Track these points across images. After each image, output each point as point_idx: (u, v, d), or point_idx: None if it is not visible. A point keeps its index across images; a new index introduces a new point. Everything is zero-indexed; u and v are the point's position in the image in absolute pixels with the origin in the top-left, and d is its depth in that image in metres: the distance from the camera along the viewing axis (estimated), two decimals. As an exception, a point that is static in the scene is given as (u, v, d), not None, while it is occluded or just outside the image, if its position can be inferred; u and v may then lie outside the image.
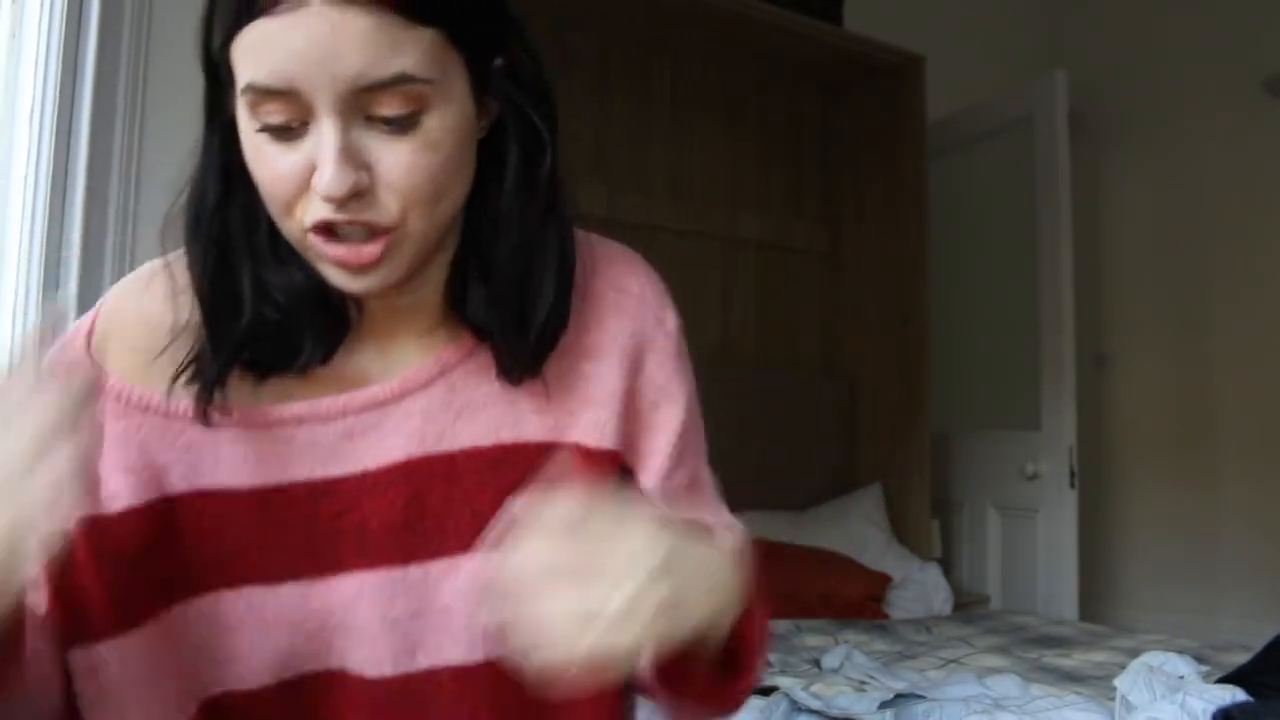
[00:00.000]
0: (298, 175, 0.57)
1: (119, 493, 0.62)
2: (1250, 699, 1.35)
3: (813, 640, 2.11)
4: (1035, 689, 1.61)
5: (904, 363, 3.01)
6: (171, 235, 0.64)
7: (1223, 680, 1.51)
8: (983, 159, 3.25)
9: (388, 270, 0.60)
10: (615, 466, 0.70)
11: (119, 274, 1.58)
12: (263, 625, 0.64)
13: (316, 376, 0.66)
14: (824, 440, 3.09)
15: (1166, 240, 3.43)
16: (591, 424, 0.69)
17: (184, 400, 0.63)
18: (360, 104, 0.56)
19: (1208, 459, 3.29)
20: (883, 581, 2.67)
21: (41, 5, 1.52)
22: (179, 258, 0.65)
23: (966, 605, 2.87)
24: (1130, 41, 3.52)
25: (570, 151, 2.59)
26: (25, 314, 1.49)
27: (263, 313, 0.63)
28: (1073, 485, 2.89)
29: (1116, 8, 3.57)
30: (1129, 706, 1.41)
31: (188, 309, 0.63)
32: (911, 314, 3.00)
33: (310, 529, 0.65)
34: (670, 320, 0.74)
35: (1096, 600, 3.28)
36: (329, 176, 0.55)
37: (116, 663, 0.61)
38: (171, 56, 1.68)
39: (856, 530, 2.87)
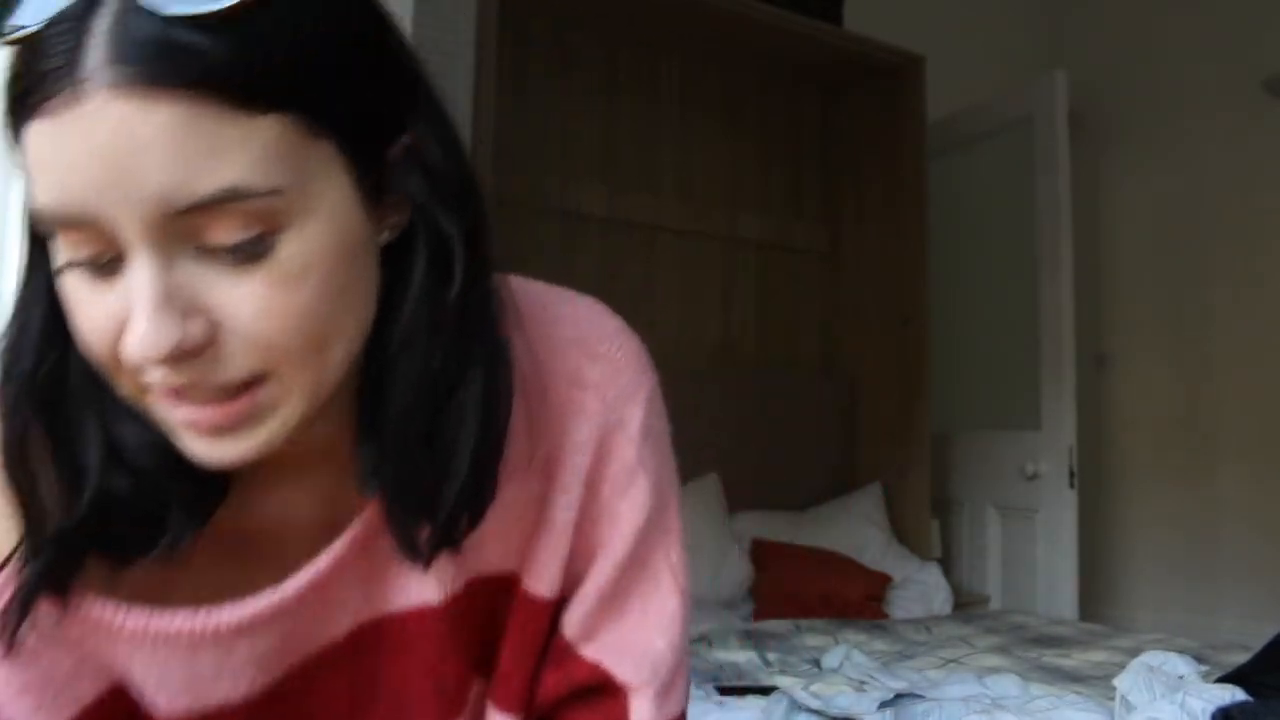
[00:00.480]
0: (116, 325, 0.42)
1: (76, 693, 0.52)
2: (1250, 699, 1.35)
3: (812, 640, 2.11)
4: (1035, 689, 1.61)
5: (904, 363, 3.01)
6: None
7: (1222, 680, 1.51)
8: (983, 159, 3.25)
9: (263, 435, 0.45)
10: (550, 614, 0.60)
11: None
12: None
13: (219, 545, 0.52)
14: (824, 440, 3.09)
15: (1166, 240, 3.43)
16: (541, 562, 0.58)
17: (104, 608, 0.50)
18: (183, 230, 0.40)
19: (1207, 459, 3.29)
20: (882, 581, 2.67)
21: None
22: None
23: (966, 605, 2.87)
24: (1130, 41, 3.53)
25: (573, 151, 2.62)
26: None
27: (111, 481, 0.47)
28: (1072, 485, 2.89)
29: (1116, 8, 3.58)
30: (1128, 706, 1.41)
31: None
32: (911, 314, 3.00)
33: None
34: (636, 418, 0.59)
35: (1096, 600, 3.28)
36: (140, 333, 0.40)
37: None
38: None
39: (856, 530, 2.87)
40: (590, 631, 0.60)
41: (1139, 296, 3.50)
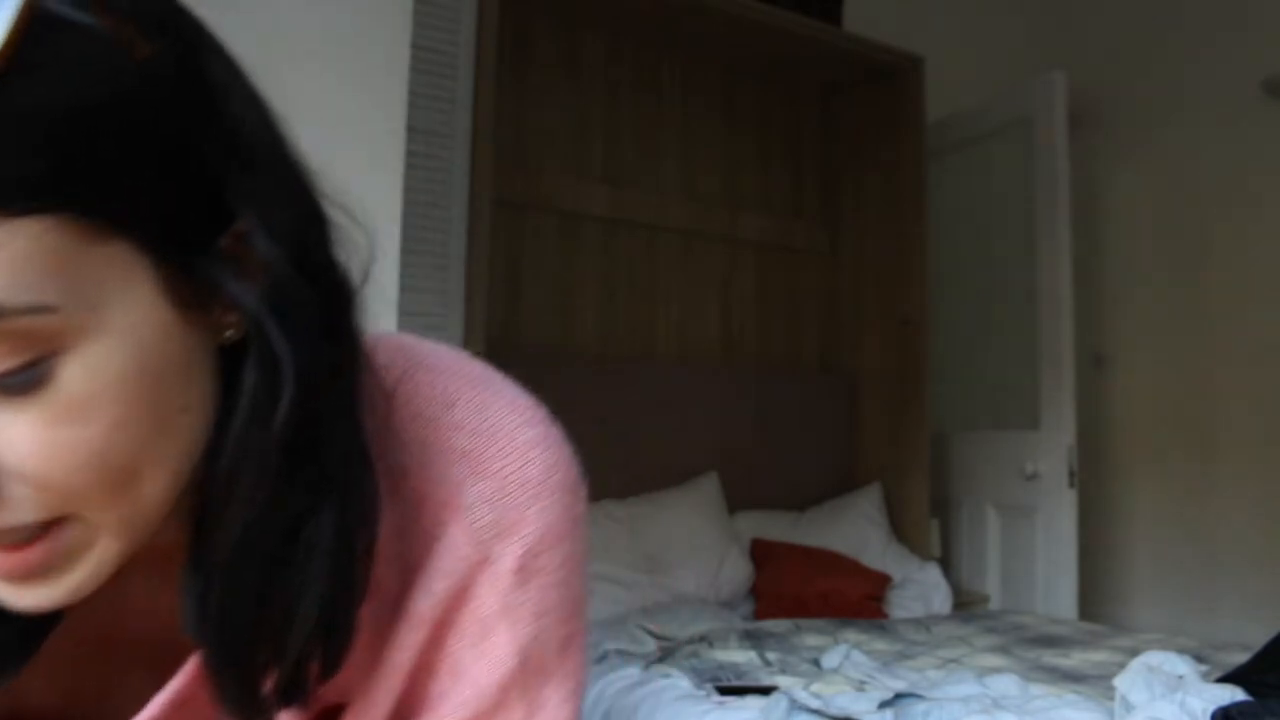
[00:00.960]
0: None
1: None
2: (1249, 698, 1.36)
3: (812, 640, 2.11)
4: (1034, 688, 1.61)
5: (904, 363, 3.01)
6: None
7: (1222, 679, 1.52)
8: (983, 159, 3.25)
9: (74, 580, 0.38)
10: None
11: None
12: None
13: (60, 648, 0.45)
14: (824, 440, 3.09)
15: (1165, 240, 3.43)
16: (367, 707, 0.49)
17: None
18: None
19: (1206, 458, 3.29)
20: (882, 581, 2.67)
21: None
22: None
23: (966, 605, 2.87)
24: (1130, 42, 3.53)
25: (574, 151, 2.62)
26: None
27: None
28: (1072, 485, 2.89)
29: (1116, 8, 3.58)
30: (1128, 706, 1.42)
31: None
32: (911, 314, 3.00)
33: None
34: (510, 554, 0.48)
35: (1095, 600, 3.28)
36: None
37: None
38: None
39: (856, 530, 2.87)
40: None
41: (1138, 296, 3.50)
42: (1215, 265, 3.30)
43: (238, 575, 0.40)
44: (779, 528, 2.82)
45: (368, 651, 0.47)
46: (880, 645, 2.10)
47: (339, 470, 0.41)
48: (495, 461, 0.48)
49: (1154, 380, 3.44)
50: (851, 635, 2.17)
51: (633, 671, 1.80)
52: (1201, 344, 3.32)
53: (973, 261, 3.28)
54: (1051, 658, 1.97)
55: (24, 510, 0.35)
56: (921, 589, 2.72)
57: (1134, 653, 1.78)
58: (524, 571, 0.48)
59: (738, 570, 2.63)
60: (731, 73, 3.12)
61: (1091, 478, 3.24)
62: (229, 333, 0.39)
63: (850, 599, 2.55)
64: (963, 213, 3.28)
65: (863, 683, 1.68)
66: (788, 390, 3.05)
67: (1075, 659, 1.96)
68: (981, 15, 3.59)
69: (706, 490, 2.70)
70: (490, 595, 0.47)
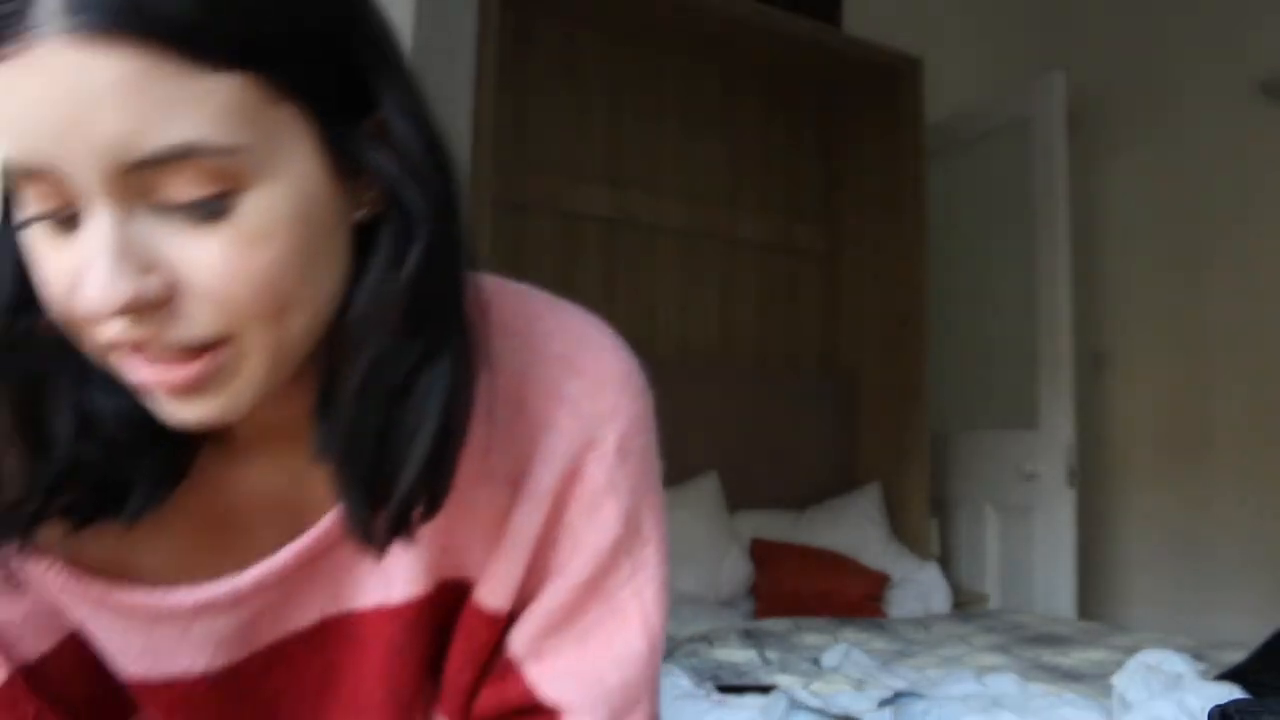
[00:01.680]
0: (76, 280, 0.41)
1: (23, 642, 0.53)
2: (1247, 696, 1.36)
3: (812, 639, 2.12)
4: (1033, 687, 1.62)
5: (903, 363, 3.02)
6: None
7: (1220, 678, 1.52)
8: (982, 159, 3.26)
9: (225, 400, 0.44)
10: (498, 630, 0.58)
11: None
12: None
13: (187, 512, 0.52)
14: (824, 440, 3.10)
15: (1164, 240, 3.43)
16: (495, 574, 0.57)
17: (39, 568, 0.51)
18: (140, 185, 0.39)
19: (1205, 458, 3.30)
20: (881, 580, 2.68)
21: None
22: None
23: (965, 604, 2.88)
24: (1128, 43, 3.53)
25: (575, 151, 2.62)
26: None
27: (81, 450, 0.47)
28: (1070, 484, 2.90)
29: (1115, 9, 3.58)
30: (1126, 704, 1.42)
31: None
32: (911, 314, 3.01)
33: (210, 711, 0.56)
34: (611, 438, 0.56)
35: (1094, 599, 3.28)
36: (94, 285, 0.40)
37: None
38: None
39: (856, 529, 2.87)
40: (536, 652, 0.58)
41: (1137, 296, 3.50)
42: (1214, 265, 3.30)
43: (364, 407, 0.47)
44: (779, 527, 2.82)
45: (492, 530, 0.56)
46: (880, 644, 2.10)
47: (451, 329, 0.48)
48: (587, 363, 0.56)
49: (1153, 380, 3.45)
50: (851, 634, 2.17)
51: (633, 670, 1.80)
52: (1200, 343, 3.32)
53: (972, 261, 3.28)
54: (1050, 657, 1.98)
55: (197, 325, 0.42)
56: (921, 588, 2.73)
57: (1132, 651, 1.78)
58: (622, 452, 0.57)
59: (737, 570, 2.63)
60: (731, 74, 3.12)
61: (1090, 477, 3.25)
62: (361, 212, 0.47)
63: (850, 598, 2.56)
64: (962, 213, 3.28)
65: (862, 681, 1.68)
66: (788, 390, 3.06)
67: (1074, 658, 1.96)
68: (981, 16, 3.59)
69: (706, 490, 2.71)
70: (598, 472, 0.56)
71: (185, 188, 0.40)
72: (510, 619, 0.58)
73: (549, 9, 2.73)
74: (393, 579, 0.55)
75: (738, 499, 2.81)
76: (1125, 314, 3.52)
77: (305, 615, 0.56)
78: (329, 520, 0.53)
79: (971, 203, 3.30)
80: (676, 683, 1.68)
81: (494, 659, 0.58)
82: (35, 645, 0.52)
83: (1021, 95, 3.10)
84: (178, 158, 0.39)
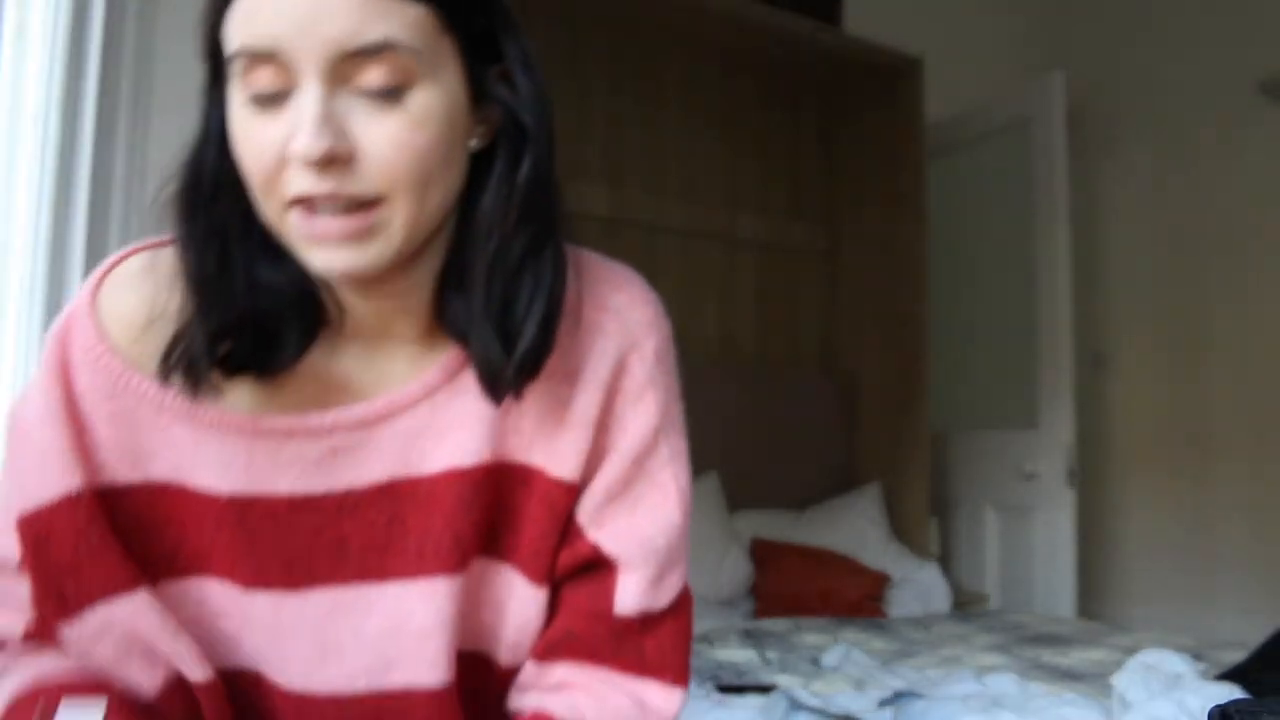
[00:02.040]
0: (279, 147, 0.56)
1: (108, 467, 0.64)
2: (1247, 696, 1.36)
3: (812, 639, 2.12)
4: (1033, 687, 1.61)
5: (903, 363, 3.02)
6: (167, 217, 0.63)
7: (1220, 678, 1.52)
8: (982, 159, 3.26)
9: (373, 251, 0.58)
10: (574, 498, 0.70)
11: (123, 273, 1.58)
12: (230, 624, 0.66)
13: (301, 378, 0.65)
14: (824, 440, 3.10)
15: (1164, 240, 3.44)
16: (563, 453, 0.69)
17: (175, 394, 0.63)
18: (345, 73, 0.55)
19: (1205, 457, 3.30)
20: (881, 580, 2.68)
21: (46, 3, 1.53)
22: (158, 252, 0.65)
23: (965, 604, 2.88)
24: (1129, 43, 3.53)
25: (575, 151, 2.61)
26: (30, 311, 1.50)
27: (250, 305, 0.61)
28: (1070, 484, 2.90)
29: (1115, 9, 3.58)
30: (1126, 704, 1.42)
31: (177, 297, 0.62)
32: (911, 314, 3.00)
33: (287, 541, 0.66)
34: (649, 344, 0.71)
35: (1094, 598, 3.29)
36: (305, 137, 0.54)
37: (115, 623, 0.64)
38: (176, 53, 1.68)
39: (855, 529, 2.87)
40: (597, 519, 0.70)
41: (1137, 296, 3.50)
42: (1214, 265, 3.30)
43: (492, 282, 0.62)
44: (779, 527, 2.82)
45: (553, 418, 0.68)
46: (880, 644, 2.10)
47: (550, 228, 0.63)
48: (626, 285, 0.72)
49: (1153, 380, 3.45)
50: (851, 634, 2.17)
51: (633, 670, 1.80)
52: (1200, 343, 3.32)
53: (972, 261, 3.28)
54: (1050, 656, 1.98)
55: (366, 182, 0.57)
56: (920, 588, 2.73)
57: (1132, 651, 1.78)
58: (657, 355, 0.71)
59: (738, 569, 2.63)
60: (731, 73, 3.12)
61: (1090, 477, 3.25)
62: (474, 141, 0.62)
63: (850, 598, 2.56)
64: (962, 213, 3.28)
65: (862, 681, 1.68)
66: (787, 390, 3.06)
67: (1074, 657, 1.96)
68: (981, 15, 3.59)
69: (706, 490, 2.71)
70: (640, 369, 0.70)
71: (376, 77, 0.56)
72: (578, 491, 0.69)
73: (548, 8, 2.73)
74: (465, 449, 0.66)
75: (738, 499, 2.81)
76: (1125, 314, 3.52)
77: (375, 472, 0.66)
78: (401, 391, 0.66)
79: (971, 203, 3.30)
80: (677, 682, 1.67)
81: (567, 527, 0.70)
82: (111, 472, 0.65)
83: (1021, 95, 3.09)
84: (379, 50, 0.55)
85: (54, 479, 0.62)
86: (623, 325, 0.70)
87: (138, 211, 1.62)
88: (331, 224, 0.57)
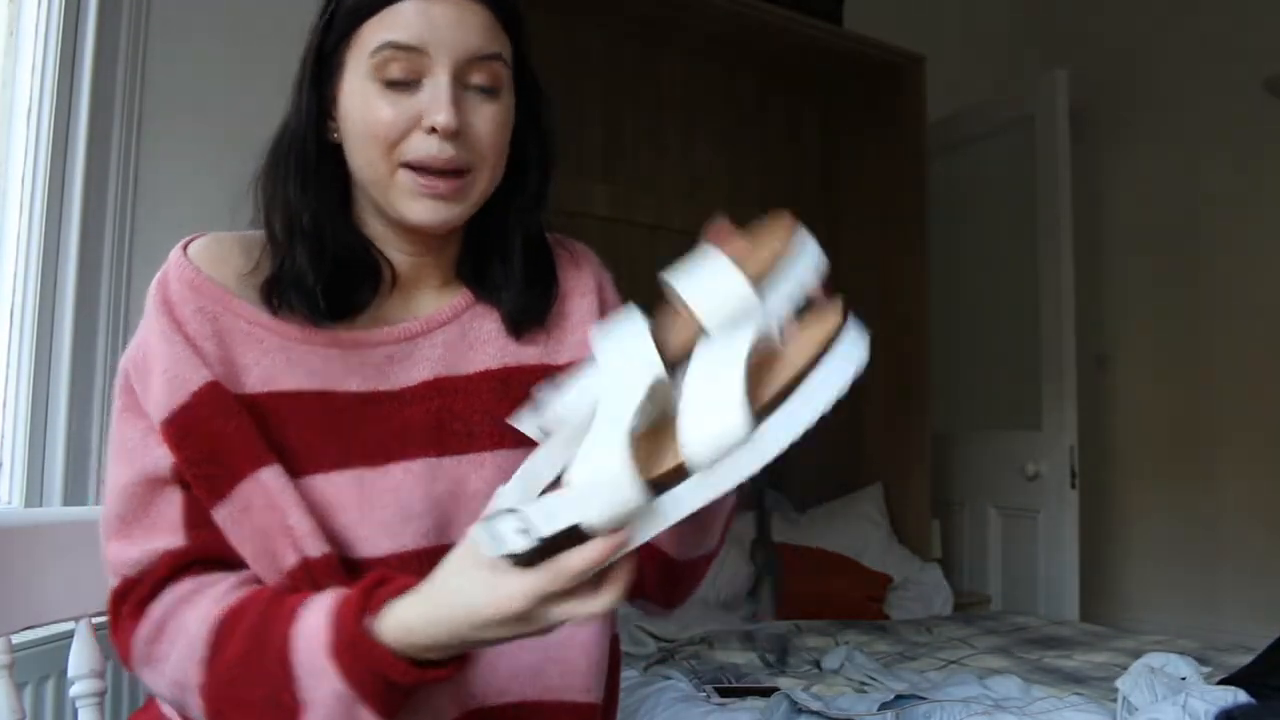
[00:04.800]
0: (406, 120, 0.75)
1: (195, 377, 0.75)
2: (1252, 700, 1.35)
3: (813, 641, 2.11)
4: (1036, 690, 1.61)
5: (904, 363, 3.00)
6: (260, 189, 0.81)
7: (1225, 681, 1.51)
8: (983, 159, 3.24)
9: (459, 207, 0.79)
10: None
11: (117, 269, 1.57)
12: (326, 506, 0.75)
13: (362, 317, 0.82)
14: (824, 440, 3.08)
15: (1167, 240, 3.42)
16: (574, 349, 0.87)
17: (266, 315, 0.78)
18: (465, 73, 0.76)
19: (1208, 459, 3.28)
20: (883, 582, 2.67)
21: (39, 2, 1.52)
22: (222, 234, 0.82)
23: (967, 606, 2.86)
24: (1131, 41, 3.52)
25: (576, 151, 2.60)
26: (23, 309, 1.49)
27: (329, 259, 0.79)
28: (1074, 485, 2.88)
29: (1117, 7, 3.57)
30: (1130, 708, 1.41)
31: (259, 252, 0.80)
32: (912, 314, 2.99)
33: (362, 429, 0.79)
34: (608, 280, 0.97)
35: (1097, 601, 3.27)
36: (445, 114, 0.74)
37: (227, 525, 0.74)
38: (169, 53, 1.68)
39: (857, 530, 2.86)
40: None
41: (1140, 296, 3.49)
42: (1217, 265, 3.29)
43: (527, 253, 0.88)
44: (779, 528, 2.81)
45: (558, 328, 0.89)
46: (881, 646, 2.09)
47: (546, 214, 0.89)
48: (569, 241, 0.95)
49: (1156, 380, 3.44)
50: (852, 636, 2.16)
51: (633, 673, 1.79)
52: (1203, 344, 3.31)
53: (974, 261, 3.27)
54: (1053, 659, 1.97)
55: (468, 153, 0.77)
56: (922, 590, 2.71)
57: (1136, 654, 1.77)
58: (613, 286, 0.97)
59: (738, 571, 2.62)
60: (732, 72, 3.11)
61: (1093, 479, 3.23)
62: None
63: (851, 600, 2.54)
64: (963, 212, 3.27)
65: (864, 684, 1.67)
66: (788, 390, 3.04)
67: (1077, 660, 1.95)
68: (982, 14, 3.58)
69: (707, 491, 2.69)
70: (610, 293, 0.95)
71: (485, 78, 0.78)
72: None
73: (548, 7, 2.72)
74: (491, 357, 0.85)
75: (738, 500, 2.79)
76: (1128, 314, 3.51)
77: (423, 373, 0.82)
78: (435, 315, 0.85)
79: (973, 202, 3.28)
80: (677, 685, 1.66)
81: None
82: (188, 384, 0.75)
83: (1023, 94, 3.08)
84: (491, 59, 0.78)
85: (185, 378, 0.74)
86: (591, 263, 0.94)
87: (130, 209, 1.61)
88: (436, 184, 0.76)
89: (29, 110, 1.51)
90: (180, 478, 0.74)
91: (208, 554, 0.73)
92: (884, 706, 1.48)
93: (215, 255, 0.80)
